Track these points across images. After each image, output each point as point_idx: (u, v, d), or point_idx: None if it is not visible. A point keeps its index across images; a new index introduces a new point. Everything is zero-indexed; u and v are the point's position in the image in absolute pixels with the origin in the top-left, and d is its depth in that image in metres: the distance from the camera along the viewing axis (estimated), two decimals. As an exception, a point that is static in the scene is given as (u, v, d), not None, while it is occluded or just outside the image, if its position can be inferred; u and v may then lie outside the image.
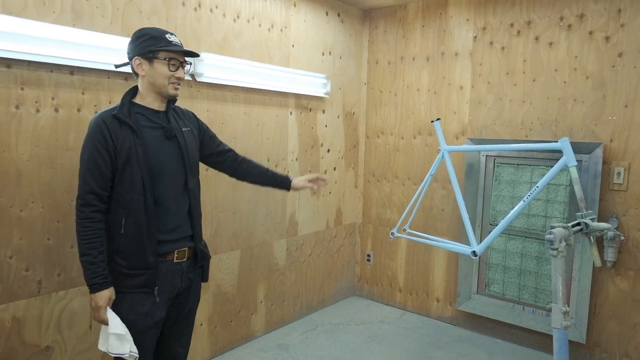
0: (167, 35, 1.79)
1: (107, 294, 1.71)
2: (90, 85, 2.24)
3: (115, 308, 1.75)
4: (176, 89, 1.83)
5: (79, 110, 2.21)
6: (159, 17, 2.49)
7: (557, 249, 1.86)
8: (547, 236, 1.88)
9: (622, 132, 2.81)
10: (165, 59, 1.77)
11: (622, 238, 2.71)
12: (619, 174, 2.81)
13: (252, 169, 2.21)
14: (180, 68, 1.82)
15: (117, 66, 1.94)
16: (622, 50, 2.78)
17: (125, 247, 1.75)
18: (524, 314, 3.24)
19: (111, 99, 2.31)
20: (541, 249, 3.17)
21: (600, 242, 2.83)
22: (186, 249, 1.88)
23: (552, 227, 1.91)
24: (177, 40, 1.82)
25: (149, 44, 1.76)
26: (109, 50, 2.22)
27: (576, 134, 2.96)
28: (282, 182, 2.26)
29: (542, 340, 3.15)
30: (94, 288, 1.70)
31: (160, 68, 1.77)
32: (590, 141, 2.89)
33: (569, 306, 2.22)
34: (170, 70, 1.78)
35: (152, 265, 1.77)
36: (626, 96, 2.79)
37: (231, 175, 2.21)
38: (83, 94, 2.22)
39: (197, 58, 2.60)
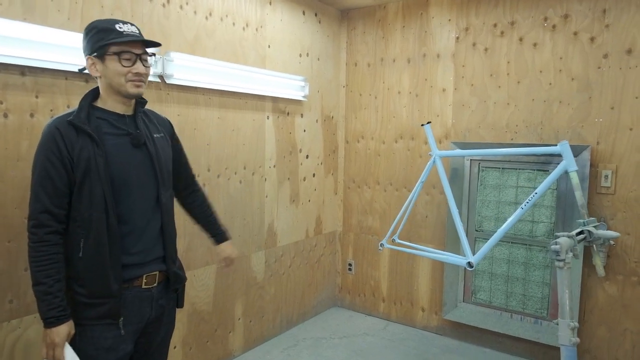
0: (117, 26, 1.51)
1: (65, 329, 1.47)
2: (44, 87, 1.99)
3: (72, 343, 1.51)
4: (137, 86, 1.55)
5: (32, 115, 1.96)
6: (123, 12, 2.26)
7: (563, 260, 1.75)
8: (553, 247, 1.76)
9: (608, 134, 2.76)
10: (114, 54, 1.50)
11: (612, 242, 2.65)
12: (606, 177, 2.75)
13: (199, 205, 1.99)
14: (139, 62, 1.54)
15: (80, 70, 1.71)
16: (607, 51, 2.73)
17: (85, 273, 1.52)
18: (512, 322, 3.16)
19: (70, 102, 2.07)
20: (528, 254, 3.09)
21: (588, 247, 2.76)
22: (157, 272, 1.65)
23: (557, 237, 1.80)
24: (133, 30, 1.55)
25: (97, 38, 1.50)
26: (66, 48, 1.98)
27: (562, 136, 2.89)
28: (216, 235, 2.03)
29: (531, 349, 3.07)
30: (50, 322, 1.45)
31: (113, 65, 1.50)
32: (577, 144, 2.82)
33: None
34: (125, 66, 1.50)
35: (115, 293, 1.53)
36: (612, 98, 2.74)
37: (175, 197, 1.92)
38: (37, 97, 1.97)
39: (167, 58, 2.40)
